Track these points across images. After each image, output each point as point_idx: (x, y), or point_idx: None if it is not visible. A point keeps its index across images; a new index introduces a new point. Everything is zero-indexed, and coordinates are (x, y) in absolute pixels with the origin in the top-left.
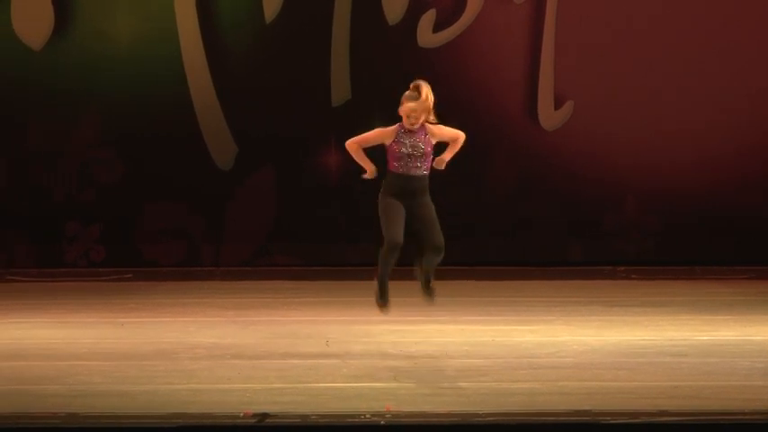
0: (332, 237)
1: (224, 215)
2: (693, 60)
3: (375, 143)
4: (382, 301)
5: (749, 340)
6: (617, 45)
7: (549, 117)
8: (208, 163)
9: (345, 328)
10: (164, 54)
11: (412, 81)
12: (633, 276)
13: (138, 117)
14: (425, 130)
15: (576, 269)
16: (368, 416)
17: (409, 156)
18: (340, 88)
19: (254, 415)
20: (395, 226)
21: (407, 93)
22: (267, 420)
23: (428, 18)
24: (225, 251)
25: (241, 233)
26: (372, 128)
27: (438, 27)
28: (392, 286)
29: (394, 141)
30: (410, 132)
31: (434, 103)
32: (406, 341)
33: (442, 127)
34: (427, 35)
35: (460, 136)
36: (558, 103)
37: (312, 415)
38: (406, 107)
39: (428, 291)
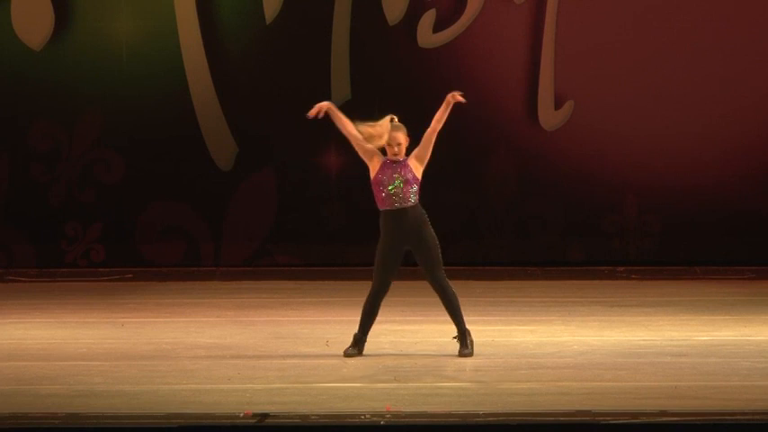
0: (332, 237)
1: (224, 215)
2: (694, 60)
3: (360, 144)
4: (352, 350)
5: (749, 340)
6: (617, 45)
7: (549, 117)
8: (208, 163)
9: (345, 328)
10: (164, 54)
11: (412, 82)
12: (633, 276)
13: (138, 117)
14: (408, 164)
15: (576, 269)
16: (368, 416)
17: (395, 189)
18: (340, 88)
19: (254, 415)
20: (386, 274)
21: (389, 124)
22: (267, 420)
23: (428, 18)
24: (225, 251)
25: (241, 233)
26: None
27: (438, 27)
28: (392, 286)
29: (378, 172)
30: (393, 164)
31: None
32: (405, 341)
33: (416, 152)
34: (427, 35)
35: (430, 133)
36: (558, 103)
37: (312, 415)
38: (391, 136)
39: (465, 348)
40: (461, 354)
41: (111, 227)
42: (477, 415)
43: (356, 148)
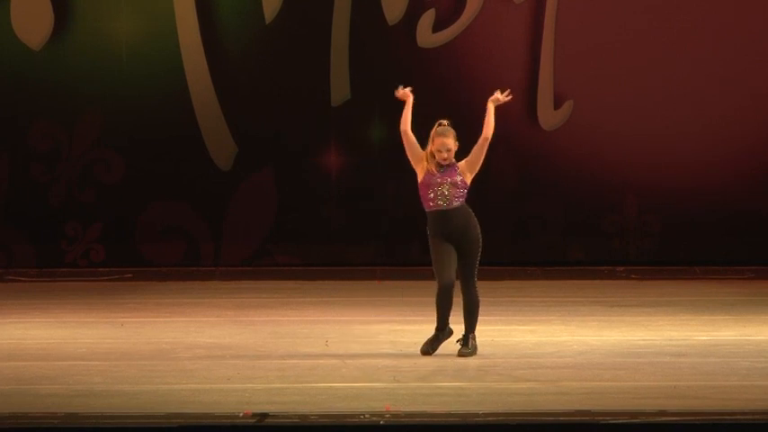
0: (332, 237)
1: (224, 215)
2: (694, 60)
3: (412, 145)
4: (426, 347)
5: (749, 340)
6: (617, 45)
7: (549, 117)
8: (208, 163)
9: (345, 328)
10: (164, 54)
11: (412, 82)
12: (633, 276)
13: (138, 117)
14: (457, 168)
15: (576, 269)
16: (368, 416)
17: (442, 192)
18: (340, 88)
19: (254, 415)
20: (446, 268)
21: (436, 128)
22: (267, 420)
23: (428, 18)
24: (225, 251)
25: (241, 233)
26: (372, 128)
27: (438, 27)
28: (392, 286)
29: (427, 175)
30: (441, 168)
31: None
32: (405, 341)
33: (468, 159)
34: (427, 35)
35: (482, 142)
36: (557, 103)
37: (312, 415)
38: (440, 142)
39: (465, 348)
40: (461, 354)
41: (111, 227)
42: (477, 415)
43: (406, 148)
